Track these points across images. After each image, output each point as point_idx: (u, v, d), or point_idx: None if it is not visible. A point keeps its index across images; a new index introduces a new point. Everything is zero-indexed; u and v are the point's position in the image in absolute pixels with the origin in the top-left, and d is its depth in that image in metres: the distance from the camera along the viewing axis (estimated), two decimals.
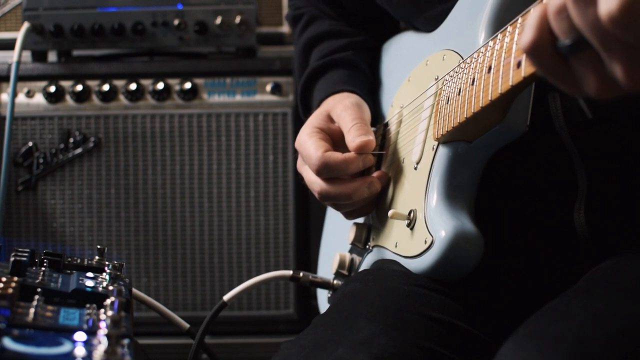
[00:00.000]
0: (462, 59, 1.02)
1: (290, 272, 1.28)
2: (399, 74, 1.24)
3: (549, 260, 1.06)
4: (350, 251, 1.25)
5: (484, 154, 1.00)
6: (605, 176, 1.01)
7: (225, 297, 1.29)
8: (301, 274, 1.28)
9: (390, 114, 1.22)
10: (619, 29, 0.62)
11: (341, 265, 1.23)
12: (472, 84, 0.92)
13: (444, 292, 1.00)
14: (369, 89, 1.26)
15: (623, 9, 0.61)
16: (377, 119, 1.26)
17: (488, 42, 0.90)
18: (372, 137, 1.12)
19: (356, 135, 1.12)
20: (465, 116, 0.93)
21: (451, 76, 1.02)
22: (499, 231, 1.05)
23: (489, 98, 0.87)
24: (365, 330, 0.93)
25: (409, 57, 1.21)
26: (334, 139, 1.18)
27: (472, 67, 0.94)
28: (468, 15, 1.03)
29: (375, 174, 1.14)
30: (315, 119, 1.21)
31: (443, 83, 1.04)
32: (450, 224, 0.97)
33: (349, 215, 1.18)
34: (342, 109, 1.18)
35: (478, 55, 0.93)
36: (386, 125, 1.22)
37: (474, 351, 0.96)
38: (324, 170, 1.12)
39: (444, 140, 1.02)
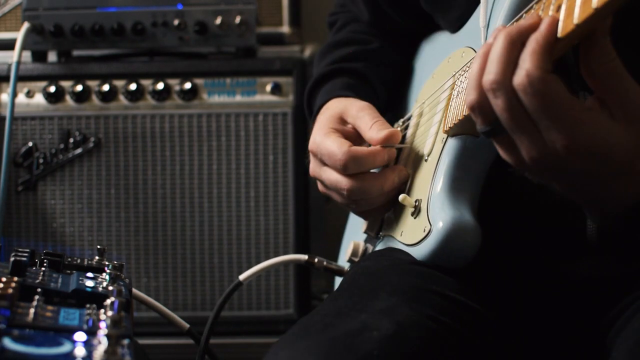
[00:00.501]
0: None
1: (306, 257, 1.31)
2: (426, 71, 1.26)
3: (559, 255, 1.07)
4: (365, 240, 1.27)
5: (490, 149, 1.01)
6: None
7: (241, 277, 1.30)
8: (316, 259, 1.30)
9: (414, 109, 1.24)
10: (525, 95, 0.79)
11: (354, 253, 1.26)
12: None
13: (456, 276, 1.02)
14: (374, 103, 1.25)
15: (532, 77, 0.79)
16: (403, 116, 1.29)
17: None
18: (396, 129, 1.13)
19: (380, 129, 1.13)
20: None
21: (464, 71, 1.04)
22: (512, 224, 1.08)
23: None
24: (386, 301, 0.96)
25: (436, 56, 1.23)
26: (349, 139, 1.16)
27: None
28: (483, 24, 1.04)
29: (397, 166, 1.15)
30: (327, 121, 1.20)
31: (457, 77, 1.07)
32: (449, 214, 0.99)
33: (370, 213, 1.18)
34: (358, 109, 1.18)
35: None
36: (408, 119, 1.23)
37: (484, 329, 1.00)
38: (352, 165, 1.11)
39: (452, 133, 1.04)
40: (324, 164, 1.16)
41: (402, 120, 1.26)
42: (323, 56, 1.38)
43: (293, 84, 1.90)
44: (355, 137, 1.17)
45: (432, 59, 1.26)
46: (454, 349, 0.95)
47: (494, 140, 0.87)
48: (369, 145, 1.14)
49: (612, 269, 1.03)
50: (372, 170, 1.15)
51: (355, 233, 1.36)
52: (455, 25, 1.17)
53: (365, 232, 1.24)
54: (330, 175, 1.15)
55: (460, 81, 1.04)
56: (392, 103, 1.34)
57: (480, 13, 1.04)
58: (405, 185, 1.14)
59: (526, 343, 1.07)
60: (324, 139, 1.15)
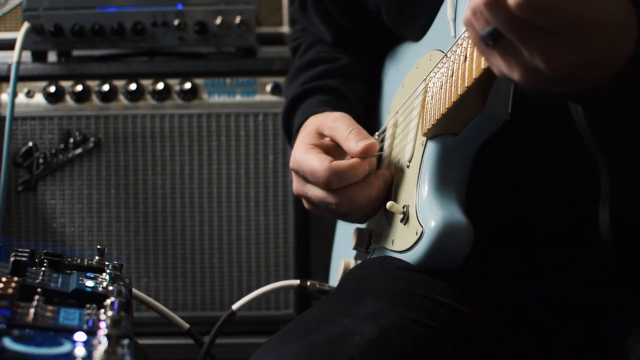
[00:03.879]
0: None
1: (298, 282, 1.31)
2: (395, 82, 1.26)
3: (562, 252, 1.06)
4: (355, 257, 1.26)
5: (471, 146, 1.02)
6: (629, 176, 1.01)
7: (234, 306, 1.32)
8: (308, 283, 1.31)
9: (388, 120, 1.24)
10: (529, 14, 0.70)
11: (346, 271, 1.25)
12: (452, 76, 0.95)
13: (446, 279, 1.01)
14: (352, 117, 1.24)
15: None
16: (377, 130, 1.28)
17: (463, 34, 0.93)
18: (374, 140, 1.12)
19: (357, 140, 1.12)
20: (446, 106, 0.96)
21: (435, 72, 1.04)
22: (512, 224, 1.07)
23: (466, 85, 0.90)
24: (371, 306, 0.95)
25: (404, 65, 1.24)
26: (329, 153, 1.15)
27: (451, 60, 0.97)
28: (451, 17, 1.04)
29: (380, 171, 1.14)
30: (305, 138, 1.19)
31: (429, 80, 1.07)
32: (439, 214, 0.99)
33: (363, 218, 1.17)
34: (333, 120, 1.17)
35: (456, 48, 0.95)
36: (384, 131, 1.23)
37: (475, 334, 0.98)
38: (335, 180, 1.09)
39: (431, 135, 1.04)
40: (307, 181, 1.14)
41: (377, 133, 1.26)
42: (293, 79, 1.37)
43: None
44: (334, 149, 1.16)
45: (399, 70, 1.26)
46: (444, 355, 0.93)
47: (497, 46, 0.77)
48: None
49: (620, 266, 1.03)
50: None
51: (344, 251, 1.35)
52: (419, 33, 1.17)
53: (354, 248, 1.22)
54: (316, 192, 1.13)
55: (433, 83, 1.04)
56: (367, 118, 1.34)
57: (447, 9, 1.04)
58: (391, 190, 1.13)
59: (523, 348, 1.06)
60: (304, 156, 1.14)
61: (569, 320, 1.05)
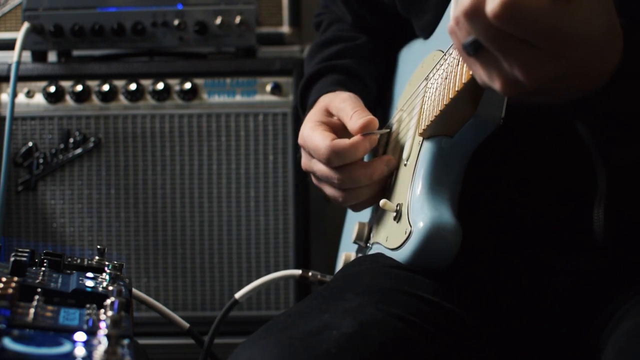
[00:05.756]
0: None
1: (300, 272, 1.32)
2: (405, 78, 1.28)
3: (550, 255, 1.06)
4: (357, 251, 1.27)
5: (465, 148, 1.02)
6: (627, 176, 1.01)
7: (237, 295, 1.32)
8: (310, 274, 1.32)
9: (394, 116, 1.25)
10: (505, 24, 0.71)
11: (346, 264, 1.25)
12: (446, 79, 0.96)
13: (435, 278, 1.02)
14: (366, 97, 1.26)
15: (503, 4, 0.70)
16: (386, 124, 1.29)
17: None
18: (372, 116, 1.14)
19: (358, 117, 1.14)
20: (439, 109, 0.97)
21: (433, 73, 1.06)
22: (506, 222, 1.07)
23: (456, 89, 0.91)
24: (352, 302, 0.95)
25: (412, 63, 1.25)
26: (335, 131, 1.18)
27: (447, 62, 0.98)
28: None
29: (385, 156, 1.16)
30: (314, 115, 1.22)
31: (429, 80, 1.08)
32: (428, 214, 1.00)
33: (361, 205, 1.18)
34: (341, 101, 1.19)
35: (453, 51, 0.96)
36: (389, 127, 1.24)
37: (459, 331, 0.98)
38: (335, 158, 1.12)
39: (427, 135, 1.05)
40: (313, 157, 1.17)
41: (383, 128, 1.27)
42: (312, 56, 1.40)
43: (293, 84, 1.90)
44: (341, 128, 1.19)
45: (409, 67, 1.28)
46: (425, 350, 0.93)
47: (478, 56, 0.78)
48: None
49: (611, 265, 1.03)
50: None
51: (347, 244, 1.36)
52: (428, 30, 1.19)
53: (354, 241, 1.23)
54: (321, 168, 1.16)
55: (431, 83, 1.05)
56: (380, 107, 1.36)
57: (451, 8, 1.05)
58: (384, 194, 1.14)
59: (509, 346, 1.06)
60: (309, 133, 1.17)
61: (557, 319, 1.05)
